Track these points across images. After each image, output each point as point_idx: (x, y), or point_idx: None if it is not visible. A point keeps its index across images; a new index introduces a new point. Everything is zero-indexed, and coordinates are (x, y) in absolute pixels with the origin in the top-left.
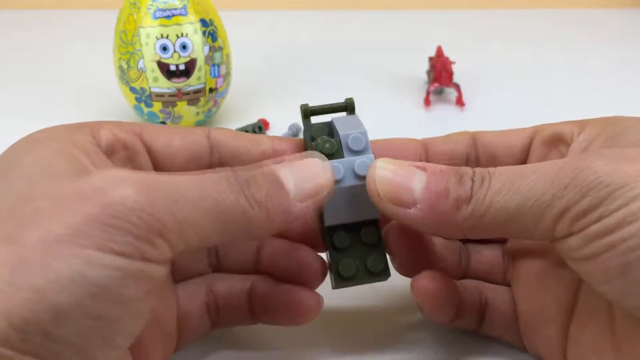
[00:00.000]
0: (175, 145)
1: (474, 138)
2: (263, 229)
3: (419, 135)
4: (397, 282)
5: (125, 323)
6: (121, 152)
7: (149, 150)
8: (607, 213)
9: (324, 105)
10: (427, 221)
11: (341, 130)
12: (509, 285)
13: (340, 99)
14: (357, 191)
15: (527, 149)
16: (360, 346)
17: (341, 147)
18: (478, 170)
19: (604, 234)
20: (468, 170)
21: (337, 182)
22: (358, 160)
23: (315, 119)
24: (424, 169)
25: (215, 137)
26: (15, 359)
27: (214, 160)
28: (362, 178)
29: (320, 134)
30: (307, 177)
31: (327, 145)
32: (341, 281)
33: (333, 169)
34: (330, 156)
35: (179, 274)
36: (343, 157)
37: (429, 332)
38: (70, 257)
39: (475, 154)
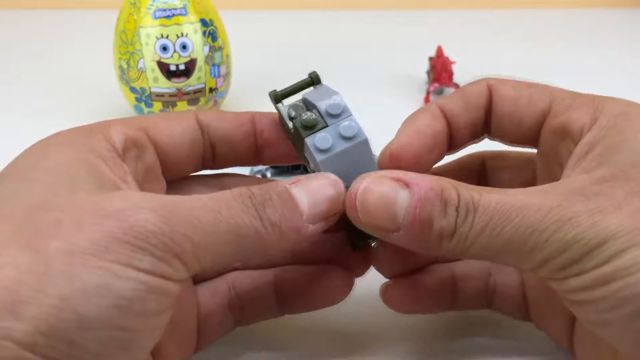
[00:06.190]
0: (175, 134)
1: (489, 96)
2: (275, 250)
3: None
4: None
5: (144, 336)
6: (132, 150)
7: (154, 144)
8: (585, 270)
9: (291, 86)
10: (411, 246)
11: (316, 101)
12: None
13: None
14: (349, 154)
15: (537, 130)
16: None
17: (321, 116)
18: (463, 198)
19: (581, 289)
20: (453, 196)
21: (327, 150)
22: (342, 123)
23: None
24: (407, 186)
25: (202, 120)
26: None
27: (205, 143)
28: (351, 139)
29: (299, 112)
30: (320, 200)
31: (307, 117)
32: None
33: (339, 183)
34: (313, 127)
35: (199, 275)
36: (326, 124)
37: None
38: (95, 269)
39: (486, 121)
